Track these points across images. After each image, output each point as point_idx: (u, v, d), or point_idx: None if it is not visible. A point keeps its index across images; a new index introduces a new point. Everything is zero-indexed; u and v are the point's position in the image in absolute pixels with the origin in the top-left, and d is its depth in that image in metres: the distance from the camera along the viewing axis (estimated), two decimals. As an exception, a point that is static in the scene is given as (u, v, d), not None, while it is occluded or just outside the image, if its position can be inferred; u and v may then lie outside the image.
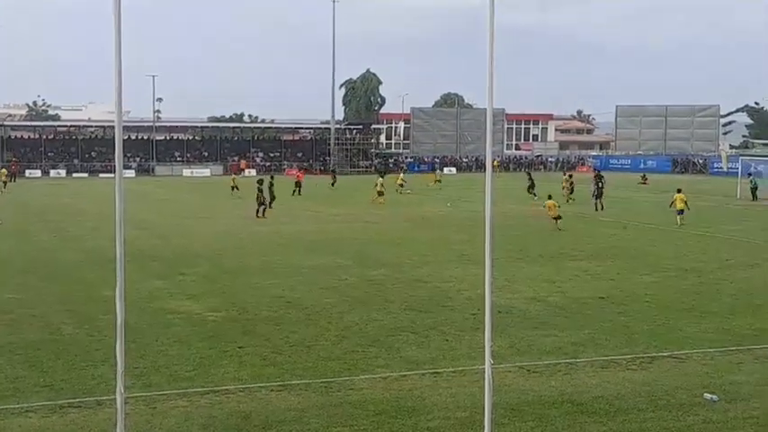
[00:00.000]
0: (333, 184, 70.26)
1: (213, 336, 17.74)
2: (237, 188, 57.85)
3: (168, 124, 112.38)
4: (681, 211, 39.59)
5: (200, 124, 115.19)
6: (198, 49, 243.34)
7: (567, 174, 62.60)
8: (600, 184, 48.55)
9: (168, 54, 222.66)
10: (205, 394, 13.70)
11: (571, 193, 53.84)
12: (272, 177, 51.65)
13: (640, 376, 14.95)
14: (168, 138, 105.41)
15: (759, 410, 12.82)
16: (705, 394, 13.67)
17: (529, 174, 63.98)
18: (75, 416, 12.65)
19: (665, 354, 16.39)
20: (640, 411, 12.97)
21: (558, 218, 37.97)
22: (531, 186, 57.27)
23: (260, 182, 45.70)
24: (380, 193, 52.91)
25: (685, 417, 12.73)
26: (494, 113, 8.75)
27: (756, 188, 56.40)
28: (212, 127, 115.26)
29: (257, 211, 43.24)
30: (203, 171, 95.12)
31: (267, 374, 14.87)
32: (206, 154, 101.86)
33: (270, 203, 45.42)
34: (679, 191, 40.97)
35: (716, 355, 16.40)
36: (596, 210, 46.24)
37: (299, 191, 58.79)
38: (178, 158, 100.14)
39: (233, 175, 69.73)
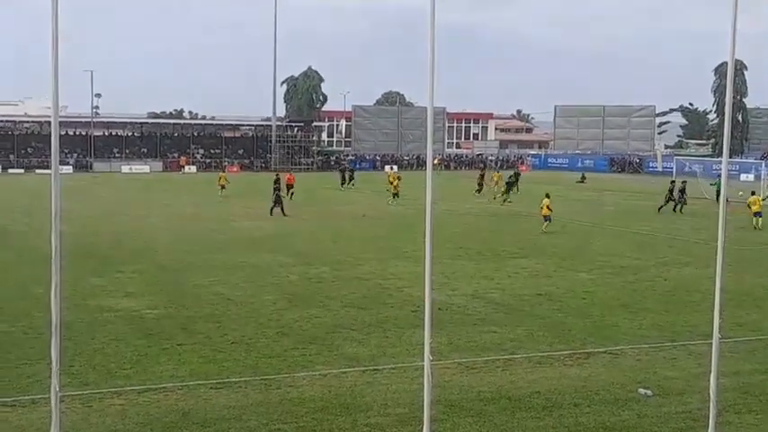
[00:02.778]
0: (352, 183, 65.50)
1: (151, 333, 17.59)
2: (224, 187, 55.12)
3: (106, 120, 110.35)
4: (758, 213, 38.72)
5: (139, 120, 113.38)
6: (137, 45, 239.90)
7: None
8: (683, 193, 46.55)
9: (107, 49, 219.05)
10: (143, 392, 13.58)
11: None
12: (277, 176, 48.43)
13: (576, 372, 15.18)
14: (107, 134, 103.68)
15: (692, 405, 13.10)
16: (640, 389, 13.93)
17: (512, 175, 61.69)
18: (10, 415, 12.45)
19: (600, 350, 16.66)
20: (576, 406, 13.17)
21: (546, 218, 36.70)
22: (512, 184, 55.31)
23: (276, 180, 44.79)
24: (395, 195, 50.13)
25: (620, 412, 12.96)
26: (435, 112, 8.82)
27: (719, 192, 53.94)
28: (152, 123, 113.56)
29: (281, 209, 42.39)
30: (142, 167, 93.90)
31: (206, 372, 14.79)
32: (145, 150, 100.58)
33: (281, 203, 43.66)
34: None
35: (650, 350, 16.72)
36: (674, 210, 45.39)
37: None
38: (117, 155, 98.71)
39: (221, 173, 62.34)
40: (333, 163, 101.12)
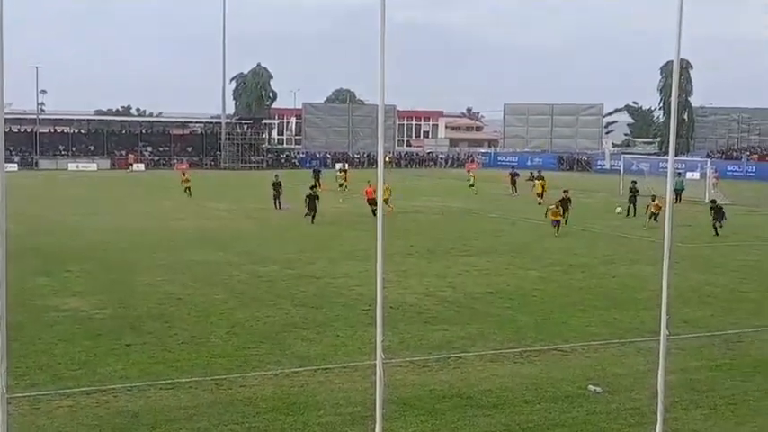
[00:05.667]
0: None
1: (99, 334, 17.36)
2: (190, 189, 52.85)
3: (53, 117, 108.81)
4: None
5: (85, 117, 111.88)
6: (83, 41, 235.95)
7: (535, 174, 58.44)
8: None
9: (52, 45, 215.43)
10: (91, 394, 13.41)
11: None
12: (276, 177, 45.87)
13: (527, 369, 15.28)
14: (53, 131, 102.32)
15: (640, 401, 13.24)
16: (589, 386, 14.07)
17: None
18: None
19: (551, 347, 16.80)
20: (527, 403, 13.26)
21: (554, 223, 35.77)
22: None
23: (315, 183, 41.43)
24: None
25: (570, 408, 13.08)
26: (385, 110, 8.80)
27: (682, 189, 49.63)
28: (98, 120, 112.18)
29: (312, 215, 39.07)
30: (90, 165, 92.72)
31: (156, 372, 14.64)
32: (92, 148, 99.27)
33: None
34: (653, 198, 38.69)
35: (599, 347, 16.90)
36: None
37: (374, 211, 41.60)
38: (63, 152, 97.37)
39: (184, 175, 57.13)
40: (283, 161, 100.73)
